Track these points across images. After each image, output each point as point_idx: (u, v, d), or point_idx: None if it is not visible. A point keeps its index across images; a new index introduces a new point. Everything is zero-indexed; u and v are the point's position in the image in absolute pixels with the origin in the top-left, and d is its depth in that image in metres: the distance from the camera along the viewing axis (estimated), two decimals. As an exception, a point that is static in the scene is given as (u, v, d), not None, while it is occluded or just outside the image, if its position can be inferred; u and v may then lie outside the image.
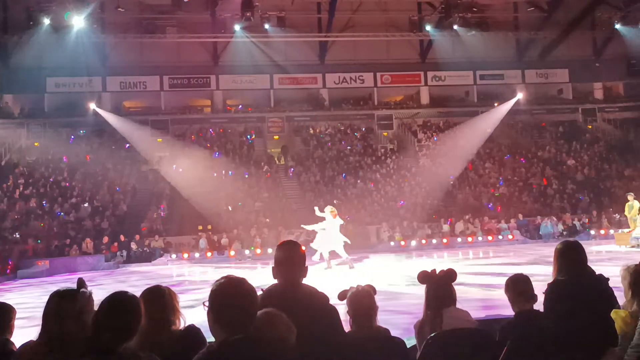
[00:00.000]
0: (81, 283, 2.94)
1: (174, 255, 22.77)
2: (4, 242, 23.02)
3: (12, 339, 3.70)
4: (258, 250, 23.09)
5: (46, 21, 27.11)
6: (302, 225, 17.79)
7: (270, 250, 22.79)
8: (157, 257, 22.89)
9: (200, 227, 24.94)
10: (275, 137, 34.41)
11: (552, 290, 3.97)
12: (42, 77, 31.51)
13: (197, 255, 23.00)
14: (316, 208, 16.98)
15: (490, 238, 24.15)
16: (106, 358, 2.50)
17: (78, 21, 26.96)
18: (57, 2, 26.23)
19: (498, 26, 32.13)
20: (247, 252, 23.15)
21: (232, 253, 23.08)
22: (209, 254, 23.07)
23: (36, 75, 30.61)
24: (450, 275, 3.75)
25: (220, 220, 25.76)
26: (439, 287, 3.73)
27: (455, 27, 30.44)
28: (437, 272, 3.77)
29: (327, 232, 16.04)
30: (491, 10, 31.85)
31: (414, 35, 33.64)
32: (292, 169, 30.82)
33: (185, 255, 22.75)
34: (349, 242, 16.46)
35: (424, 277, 3.75)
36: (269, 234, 24.56)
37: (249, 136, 33.78)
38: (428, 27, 32.42)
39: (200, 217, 25.58)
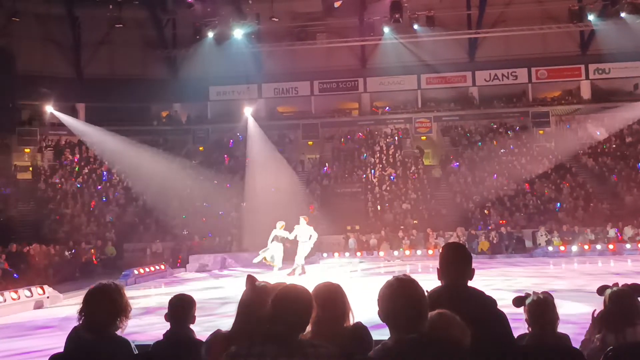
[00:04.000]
0: (252, 279, 3.20)
1: (325, 254, 23.43)
2: (175, 238, 25.39)
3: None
4: (407, 252, 22.97)
5: (210, 34, 29.44)
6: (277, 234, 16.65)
7: (419, 252, 22.61)
8: (308, 256, 23.69)
9: (348, 227, 25.43)
10: (422, 137, 34.07)
11: None
12: (206, 87, 34.29)
13: (347, 254, 23.45)
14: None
15: (665, 245, 21.72)
16: (285, 346, 2.65)
17: (238, 33, 28.91)
18: (220, 16, 28.37)
19: (674, 10, 28.81)
20: (395, 253, 23.16)
21: (382, 254, 23.20)
22: (358, 253, 23.42)
23: (200, 85, 33.32)
24: (635, 288, 3.40)
25: (367, 221, 26.06)
26: (620, 301, 3.39)
27: (622, 14, 27.89)
28: (620, 284, 3.45)
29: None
30: (665, -7, 28.67)
31: (574, 26, 31.36)
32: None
33: (336, 255, 23.30)
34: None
35: (603, 290, 3.45)
36: (417, 236, 24.35)
37: (396, 137, 33.77)
38: (591, 17, 30.03)
39: (349, 217, 26.05)
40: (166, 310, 3.95)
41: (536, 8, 32.10)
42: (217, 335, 3.29)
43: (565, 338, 3.48)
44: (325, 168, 31.38)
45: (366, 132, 34.09)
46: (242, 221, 26.36)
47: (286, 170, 30.56)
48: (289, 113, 36.57)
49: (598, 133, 30.45)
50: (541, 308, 3.36)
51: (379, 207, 27.11)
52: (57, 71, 32.61)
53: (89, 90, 32.74)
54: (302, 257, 16.56)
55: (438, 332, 2.59)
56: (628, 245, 21.91)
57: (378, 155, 31.96)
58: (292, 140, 34.17)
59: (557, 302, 3.49)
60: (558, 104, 34.02)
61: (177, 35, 34.08)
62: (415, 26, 30.84)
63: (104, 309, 3.36)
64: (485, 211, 26.12)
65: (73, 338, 3.50)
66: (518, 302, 3.46)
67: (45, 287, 14.37)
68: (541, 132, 32.71)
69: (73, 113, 33.09)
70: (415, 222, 25.75)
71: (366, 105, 35.43)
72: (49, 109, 31.67)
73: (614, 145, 30.21)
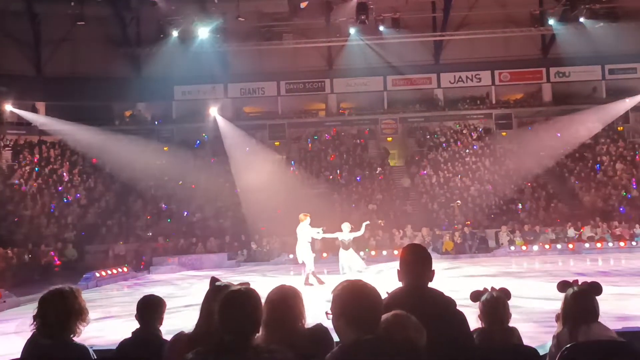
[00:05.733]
0: (214, 280, 3.15)
1: (291, 255, 23.31)
2: (138, 240, 24.97)
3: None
4: (373, 252, 23.08)
5: (174, 33, 29.06)
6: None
7: (384, 253, 22.74)
8: (275, 257, 23.69)
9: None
10: (388, 138, 34.33)
11: None
12: (171, 86, 33.79)
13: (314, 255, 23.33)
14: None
15: (622, 244, 22.39)
16: (240, 355, 2.60)
17: (203, 32, 28.61)
18: (185, 14, 28.04)
19: (630, 16, 29.65)
20: (361, 253, 23.16)
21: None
22: (324, 254, 23.38)
23: (165, 84, 32.82)
24: (595, 287, 3.47)
25: (333, 221, 26.02)
26: (579, 300, 3.44)
27: (581, 19, 28.67)
28: (580, 282, 3.52)
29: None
30: (622, -1, 29.61)
31: (536, 30, 32.11)
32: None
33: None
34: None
35: (563, 287, 3.52)
36: (383, 236, 24.50)
37: (362, 138, 33.91)
38: (551, 21, 30.79)
39: (316, 217, 25.93)
40: (127, 315, 3.93)
41: (500, 12, 32.66)
42: (179, 337, 3.26)
43: (512, 330, 3.55)
44: (291, 168, 31.27)
45: (332, 133, 34.16)
46: (208, 223, 26.11)
47: (253, 170, 30.27)
48: (255, 113, 36.36)
49: (558, 135, 31.15)
50: (494, 305, 3.43)
51: (343, 207, 27.14)
52: (16, 69, 31.64)
53: (49, 88, 31.91)
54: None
55: (393, 333, 2.60)
56: (587, 245, 22.52)
57: (345, 156, 32.05)
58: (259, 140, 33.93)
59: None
60: (520, 106, 34.73)
61: (141, 33, 33.44)
62: (381, 28, 31.04)
63: (59, 313, 3.29)
64: (454, 207, 26.38)
65: (30, 343, 3.43)
66: (475, 297, 3.53)
67: (2, 290, 13.97)
68: (504, 133, 33.35)
69: (33, 112, 32.24)
70: (381, 222, 25.89)
71: (333, 106, 35.50)
72: (8, 107, 30.81)
73: (574, 147, 30.92)
